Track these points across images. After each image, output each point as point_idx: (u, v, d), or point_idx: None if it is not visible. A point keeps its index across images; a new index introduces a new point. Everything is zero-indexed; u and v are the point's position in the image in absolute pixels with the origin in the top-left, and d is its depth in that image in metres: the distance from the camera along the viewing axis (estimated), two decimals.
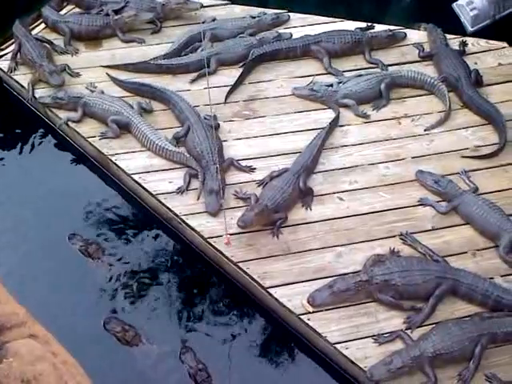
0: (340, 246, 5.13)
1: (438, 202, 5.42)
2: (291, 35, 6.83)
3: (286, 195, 5.25)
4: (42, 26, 7.03)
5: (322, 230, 5.23)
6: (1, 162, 6.15)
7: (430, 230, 5.25)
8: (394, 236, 5.18)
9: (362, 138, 5.98)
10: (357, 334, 4.62)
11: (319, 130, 5.89)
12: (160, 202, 5.49)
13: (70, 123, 6.06)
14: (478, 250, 5.12)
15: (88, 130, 6.01)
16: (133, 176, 5.65)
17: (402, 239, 5.17)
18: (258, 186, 5.52)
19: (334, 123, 6.00)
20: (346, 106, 6.18)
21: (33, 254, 5.30)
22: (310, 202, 5.37)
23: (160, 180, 5.60)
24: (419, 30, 7.04)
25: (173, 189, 5.52)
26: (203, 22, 6.97)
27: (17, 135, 6.42)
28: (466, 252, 5.11)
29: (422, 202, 5.44)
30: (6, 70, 6.54)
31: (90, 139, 5.94)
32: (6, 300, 4.12)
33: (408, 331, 4.62)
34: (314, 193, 5.43)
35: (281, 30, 6.91)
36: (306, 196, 5.40)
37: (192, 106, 6.07)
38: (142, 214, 5.69)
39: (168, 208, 5.44)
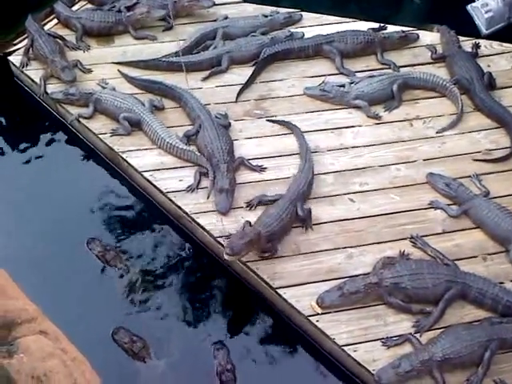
0: (350, 247, 5.12)
1: (448, 205, 5.40)
2: (303, 35, 6.80)
3: (282, 224, 5.05)
4: (55, 21, 7.02)
5: (333, 232, 5.22)
6: (11, 158, 6.16)
7: (440, 233, 5.23)
8: (404, 238, 5.17)
9: (373, 139, 5.96)
10: (365, 337, 4.61)
11: (306, 153, 5.61)
12: (170, 200, 5.49)
13: (81, 119, 6.05)
14: (488, 255, 5.10)
15: (99, 126, 6.01)
16: (143, 174, 5.65)
17: (412, 242, 5.15)
18: (247, 207, 5.34)
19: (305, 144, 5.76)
20: (357, 106, 6.16)
21: (42, 251, 5.29)
22: (310, 223, 5.20)
23: (170, 178, 5.60)
24: (432, 31, 7.00)
25: (183, 187, 5.51)
26: (215, 20, 6.97)
27: (28, 130, 6.42)
28: (476, 256, 5.09)
29: (433, 205, 5.42)
30: (18, 65, 6.53)
31: (100, 136, 5.94)
32: (18, 296, 4.14)
33: (417, 335, 4.61)
34: (311, 214, 5.22)
35: (293, 30, 6.87)
36: (304, 220, 5.21)
37: (203, 104, 6.06)
38: (152, 212, 5.68)
39: (178, 206, 5.43)
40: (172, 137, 5.78)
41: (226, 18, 7.02)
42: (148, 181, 5.63)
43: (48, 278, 5.07)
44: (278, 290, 4.86)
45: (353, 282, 4.76)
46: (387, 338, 4.60)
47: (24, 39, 6.74)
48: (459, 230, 5.26)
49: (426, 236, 5.18)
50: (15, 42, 6.79)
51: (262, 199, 5.36)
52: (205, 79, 6.44)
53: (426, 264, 4.87)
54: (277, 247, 5.06)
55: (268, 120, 6.07)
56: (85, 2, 7.28)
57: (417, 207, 5.41)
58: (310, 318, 4.71)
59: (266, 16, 6.98)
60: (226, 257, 4.74)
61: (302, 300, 4.78)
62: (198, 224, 5.31)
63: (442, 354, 4.38)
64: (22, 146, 6.26)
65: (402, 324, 4.68)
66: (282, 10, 7.09)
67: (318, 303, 4.73)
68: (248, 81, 6.36)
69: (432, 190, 5.51)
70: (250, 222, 5.10)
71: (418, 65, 6.62)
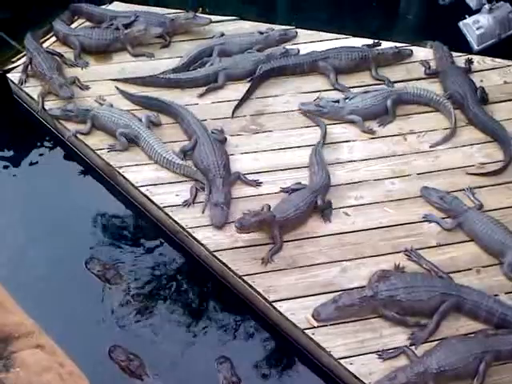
0: (345, 260, 5.15)
1: (442, 218, 5.44)
2: (298, 51, 6.91)
3: (298, 212, 5.26)
4: (53, 39, 7.13)
5: (328, 245, 5.25)
6: (8, 174, 6.21)
7: (434, 246, 5.27)
8: (399, 252, 5.20)
9: (367, 153, 6.02)
10: (361, 350, 4.62)
11: (312, 147, 5.89)
12: (167, 214, 5.52)
13: (78, 135, 6.12)
14: (482, 267, 5.12)
15: (96, 142, 6.07)
16: (140, 188, 5.69)
17: (406, 255, 5.18)
18: (282, 190, 5.59)
19: (324, 139, 6.00)
20: (352, 121, 6.24)
21: (40, 268, 5.30)
22: (330, 215, 5.40)
23: (167, 193, 5.64)
24: (425, 47, 7.11)
25: (180, 202, 5.56)
26: (212, 38, 7.07)
27: (26, 147, 6.47)
28: (470, 269, 5.11)
29: (427, 218, 5.46)
30: (16, 82, 6.61)
31: (98, 151, 6.00)
32: (15, 310, 4.15)
33: (412, 347, 4.62)
34: (332, 205, 5.44)
35: (288, 46, 6.98)
36: (325, 209, 5.41)
37: (199, 120, 6.13)
38: (149, 227, 5.72)
39: (174, 221, 5.47)
40: (168, 152, 5.84)
41: (223, 35, 7.13)
42: (145, 196, 5.67)
43: (46, 295, 5.07)
44: (274, 304, 4.88)
45: (348, 295, 4.78)
46: (383, 350, 4.61)
47: (23, 56, 6.83)
48: (453, 242, 5.29)
49: (421, 249, 5.21)
50: (14, 60, 6.88)
51: (293, 188, 5.56)
52: (201, 95, 6.52)
53: (420, 277, 4.90)
54: (282, 243, 5.17)
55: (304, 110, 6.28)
56: (83, 20, 7.40)
57: (411, 220, 5.45)
58: (305, 331, 4.72)
59: (262, 33, 7.08)
60: (235, 229, 5.06)
61: (297, 313, 4.80)
62: (195, 238, 5.34)
63: (438, 366, 4.38)
64: (20, 162, 6.31)
65: (398, 337, 4.70)
66: (278, 27, 7.20)
67: (313, 316, 4.74)
68: (244, 97, 6.44)
69: (426, 204, 5.56)
70: (269, 206, 5.28)
71: (412, 80, 6.72)
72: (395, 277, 4.88)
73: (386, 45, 6.98)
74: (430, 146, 6.08)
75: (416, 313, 4.77)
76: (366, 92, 6.42)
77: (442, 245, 5.28)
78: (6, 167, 6.26)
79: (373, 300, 4.74)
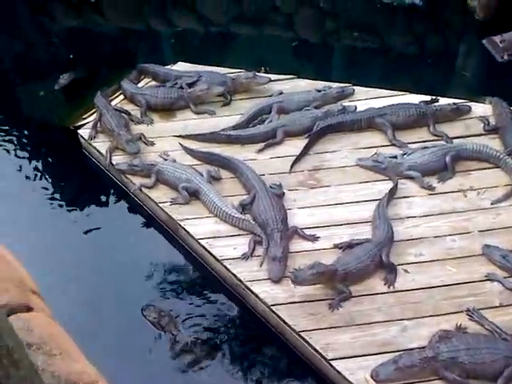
0: (405, 319, 5.06)
1: (505, 277, 5.30)
2: (356, 108, 7.01)
3: (360, 266, 5.26)
4: (121, 97, 7.50)
5: (387, 303, 5.19)
6: (78, 224, 6.49)
7: (497, 307, 5.12)
8: (460, 311, 5.08)
9: (427, 209, 5.98)
10: None
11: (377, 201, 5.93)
12: (225, 267, 5.62)
13: (143, 189, 6.36)
14: None
15: (160, 195, 6.29)
16: (200, 241, 5.84)
17: (468, 315, 5.05)
18: (336, 246, 5.61)
19: (393, 193, 6.04)
20: (410, 177, 6.24)
21: (102, 315, 5.49)
22: (394, 280, 5.31)
23: (226, 246, 5.75)
24: (484, 103, 7.08)
25: (238, 255, 5.65)
26: (271, 96, 7.29)
27: (94, 199, 6.77)
28: None
29: (490, 278, 5.33)
30: (86, 137, 6.99)
31: (161, 204, 6.21)
32: (78, 358, 4.27)
33: None
34: (397, 270, 5.38)
35: (345, 103, 7.10)
36: (389, 272, 5.35)
37: (258, 175, 6.28)
38: (207, 279, 5.82)
39: (232, 274, 5.56)
40: (228, 206, 5.99)
41: (281, 93, 7.31)
42: (204, 248, 5.80)
43: (104, 343, 5.20)
44: (332, 362, 4.83)
45: (408, 355, 4.68)
46: None
47: (93, 114, 7.23)
48: None
49: (483, 309, 5.07)
50: (84, 117, 7.28)
51: (351, 242, 5.55)
52: (260, 151, 6.69)
53: (483, 338, 4.76)
54: (350, 292, 5.16)
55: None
56: (149, 80, 7.79)
57: (473, 279, 5.33)
58: None
59: (319, 91, 7.21)
60: (291, 279, 5.10)
61: (355, 373, 4.73)
62: (252, 292, 5.40)
63: None
64: (88, 212, 6.60)
65: None
66: (335, 85, 7.33)
67: (372, 377, 4.66)
68: (302, 152, 6.55)
69: (488, 262, 5.44)
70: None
71: (471, 136, 6.67)
72: (457, 338, 4.76)
73: (444, 101, 7.00)
74: (492, 203, 5.98)
75: (479, 376, 4.62)
76: (424, 148, 6.43)
77: (506, 305, 5.13)
78: (74, 218, 6.56)
79: (434, 361, 4.62)
